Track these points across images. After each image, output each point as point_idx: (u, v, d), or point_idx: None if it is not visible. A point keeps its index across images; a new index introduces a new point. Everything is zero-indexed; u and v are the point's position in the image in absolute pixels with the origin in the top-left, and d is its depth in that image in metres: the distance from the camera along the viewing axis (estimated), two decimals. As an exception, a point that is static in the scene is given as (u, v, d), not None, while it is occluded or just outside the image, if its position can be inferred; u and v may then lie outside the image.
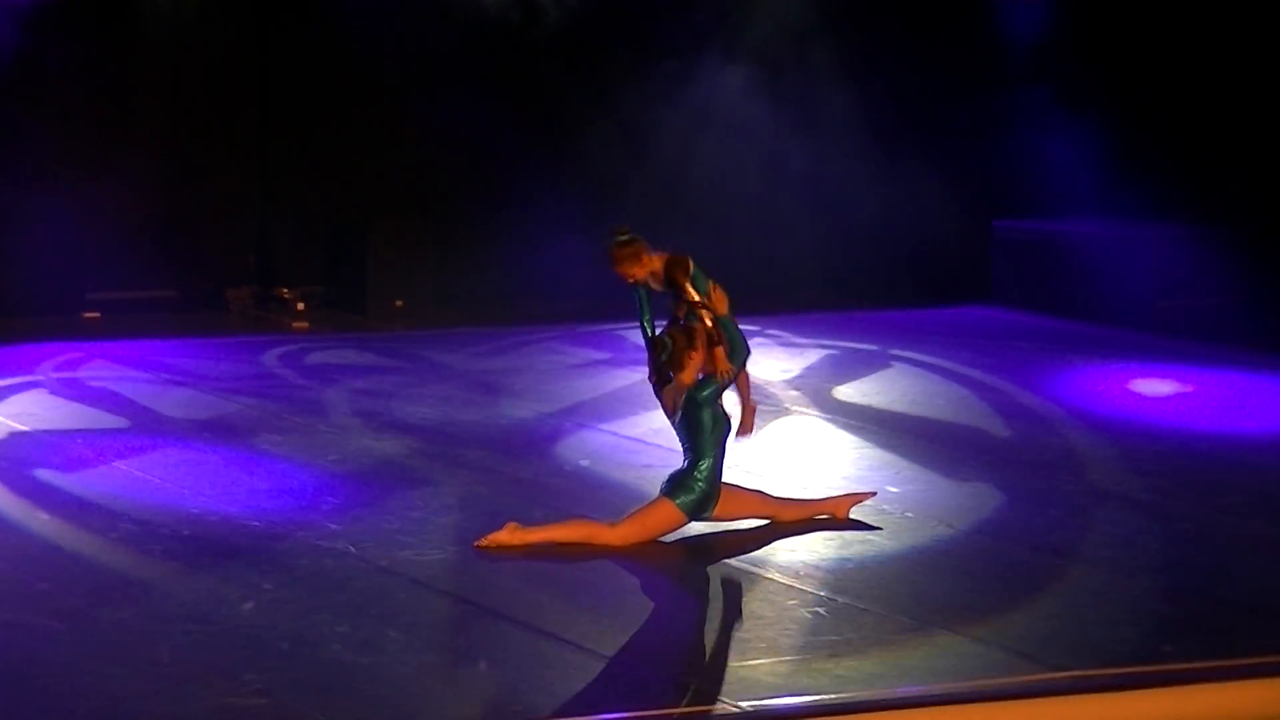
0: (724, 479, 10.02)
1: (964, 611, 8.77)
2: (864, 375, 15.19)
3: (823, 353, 16.28)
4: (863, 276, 20.07)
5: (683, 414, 9.89)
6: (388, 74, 18.78)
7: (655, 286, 10.32)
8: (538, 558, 9.53)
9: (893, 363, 15.86)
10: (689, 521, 9.93)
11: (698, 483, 9.82)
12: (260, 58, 18.84)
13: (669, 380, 9.99)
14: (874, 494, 10.62)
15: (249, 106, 18.89)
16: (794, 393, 14.32)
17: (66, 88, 17.80)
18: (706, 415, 9.83)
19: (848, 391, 14.46)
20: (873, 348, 16.55)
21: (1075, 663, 8.03)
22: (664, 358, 9.95)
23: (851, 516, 10.34)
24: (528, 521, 9.91)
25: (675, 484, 9.86)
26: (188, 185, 18.50)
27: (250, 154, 18.94)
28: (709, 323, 10.00)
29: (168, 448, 12.03)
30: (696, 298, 10.05)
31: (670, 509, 9.81)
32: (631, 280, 10.23)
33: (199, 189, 18.57)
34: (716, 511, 9.98)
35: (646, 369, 10.20)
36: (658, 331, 10.14)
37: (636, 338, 16.60)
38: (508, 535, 9.68)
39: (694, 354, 9.92)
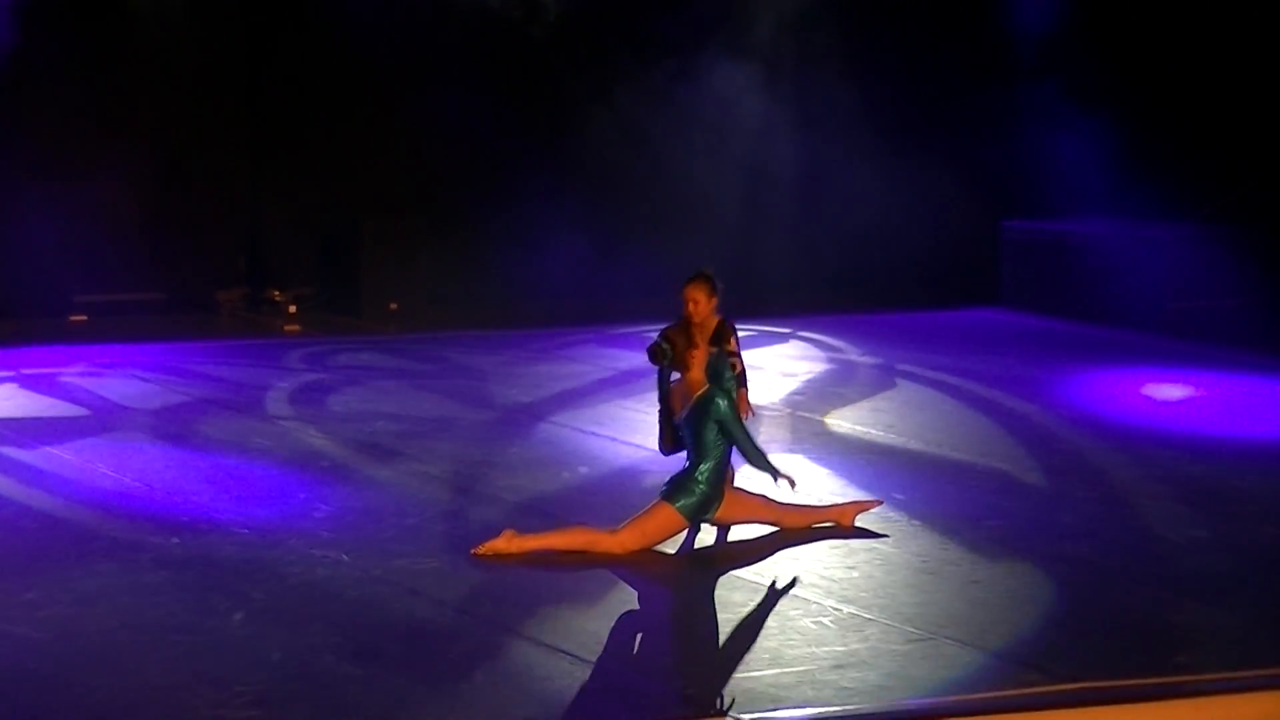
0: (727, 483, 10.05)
1: (971, 622, 8.77)
2: (869, 380, 15.19)
3: (828, 356, 16.28)
4: (867, 278, 20.09)
5: (691, 411, 9.89)
6: (382, 70, 18.79)
7: (689, 336, 10.51)
8: (535, 566, 9.53)
9: (898, 366, 15.86)
10: (690, 525, 9.93)
11: (698, 485, 9.82)
12: (251, 54, 18.87)
13: (678, 375, 10.03)
14: (880, 502, 10.62)
15: (239, 104, 18.91)
16: (799, 398, 14.33)
17: (52, 84, 17.82)
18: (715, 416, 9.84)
19: (853, 396, 14.46)
20: (878, 351, 16.56)
21: (1085, 674, 8.03)
22: (666, 362, 9.98)
23: (857, 524, 10.34)
24: (525, 529, 9.91)
25: (675, 487, 9.85)
26: (177, 185, 18.51)
27: (241, 152, 18.96)
28: (739, 368, 10.53)
29: (155, 453, 12.03)
30: (736, 349, 10.64)
31: (670, 513, 9.81)
32: (692, 306, 10.54)
33: (188, 188, 18.59)
34: (719, 515, 9.99)
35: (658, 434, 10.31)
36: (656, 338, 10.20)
37: (637, 343, 16.66)
38: (505, 543, 9.68)
39: (696, 351, 9.95)
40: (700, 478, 9.83)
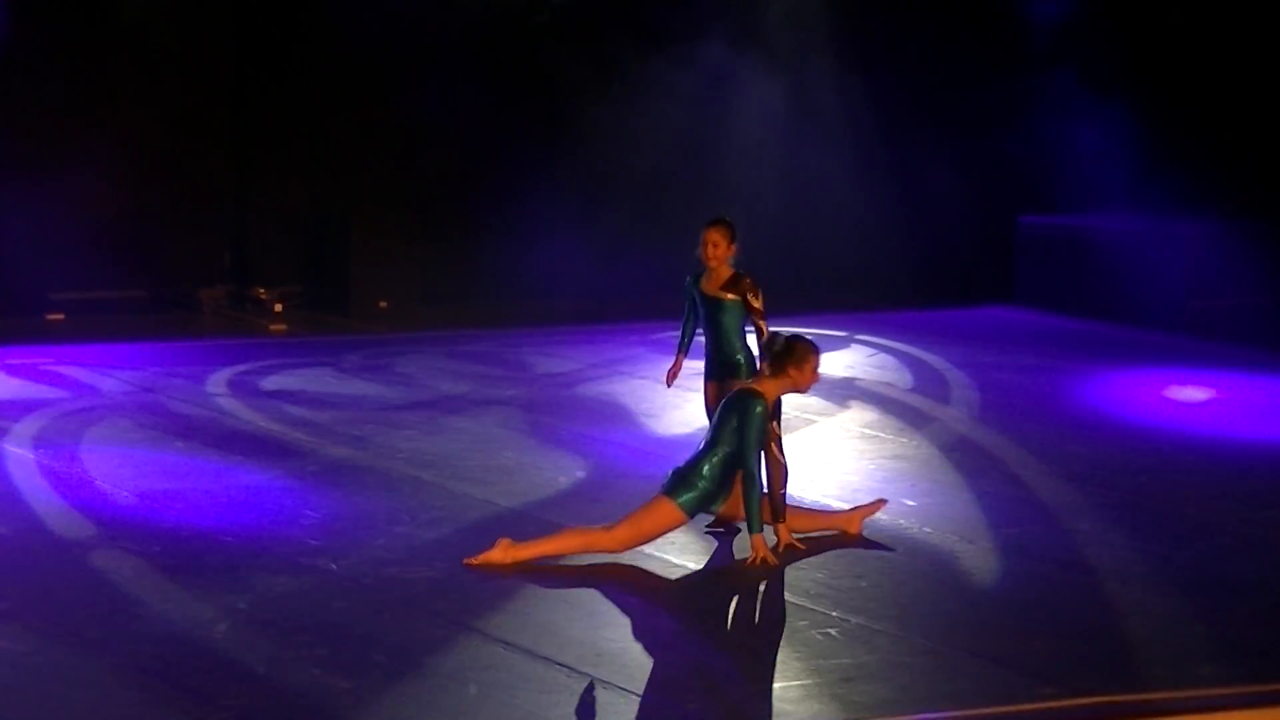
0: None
1: (984, 633, 8.77)
2: (878, 381, 15.18)
3: (835, 357, 16.29)
4: (876, 275, 20.08)
5: (726, 401, 9.85)
6: (372, 60, 18.78)
7: (708, 279, 10.75)
8: (531, 575, 9.52)
9: (908, 367, 15.86)
10: (689, 520, 9.85)
11: (701, 480, 9.74)
12: (236, 42, 18.85)
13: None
14: (885, 502, 10.58)
15: (224, 94, 18.90)
16: (806, 400, 14.32)
17: (30, 74, 17.81)
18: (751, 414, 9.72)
19: (861, 398, 14.45)
20: (887, 352, 16.56)
21: (1104, 687, 8.03)
22: (774, 350, 9.87)
23: (865, 535, 10.31)
24: (522, 536, 9.90)
25: (677, 481, 9.77)
26: (159, 178, 18.50)
27: (225, 144, 18.95)
28: (765, 333, 10.38)
29: (136, 458, 12.02)
30: (759, 307, 10.60)
31: (670, 508, 9.74)
32: (711, 248, 10.67)
33: (171, 182, 18.58)
34: (724, 510, 9.96)
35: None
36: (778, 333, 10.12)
37: (635, 343, 16.65)
38: (501, 553, 9.66)
39: (778, 382, 9.85)
40: (705, 472, 9.76)
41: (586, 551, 9.71)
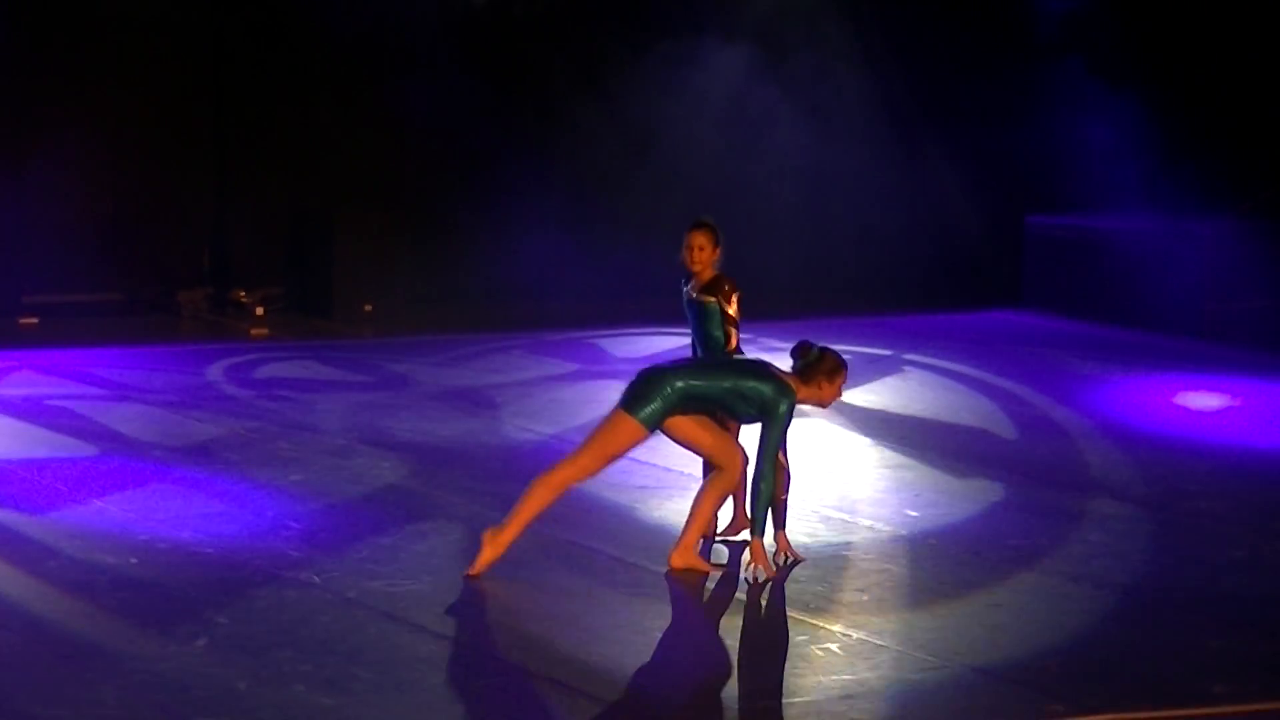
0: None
1: (991, 648, 8.79)
2: (880, 387, 15.19)
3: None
4: (878, 277, 20.09)
5: (745, 366, 9.88)
6: (355, 54, 18.79)
7: (692, 286, 10.71)
8: (521, 588, 9.52)
9: (912, 373, 15.87)
10: (650, 436, 9.77)
11: (669, 390, 9.64)
12: (216, 36, 18.85)
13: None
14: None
15: (203, 89, 18.90)
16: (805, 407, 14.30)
17: (1, 68, 17.79)
18: (749, 389, 9.72)
19: (864, 404, 14.46)
20: (890, 355, 16.57)
21: (1115, 705, 8.04)
22: (810, 357, 9.85)
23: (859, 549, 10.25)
24: (513, 546, 9.85)
25: (639, 394, 9.68)
26: (135, 176, 18.49)
27: (204, 142, 18.95)
28: (734, 340, 10.44)
29: (112, 468, 12.02)
30: (733, 314, 10.57)
31: (631, 425, 9.67)
32: (697, 252, 10.66)
33: (148, 181, 18.58)
34: (668, 425, 9.86)
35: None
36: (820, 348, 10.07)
37: (625, 346, 16.67)
38: (490, 549, 9.63)
39: (822, 390, 9.91)
40: (678, 386, 9.66)
41: (562, 492, 9.71)
